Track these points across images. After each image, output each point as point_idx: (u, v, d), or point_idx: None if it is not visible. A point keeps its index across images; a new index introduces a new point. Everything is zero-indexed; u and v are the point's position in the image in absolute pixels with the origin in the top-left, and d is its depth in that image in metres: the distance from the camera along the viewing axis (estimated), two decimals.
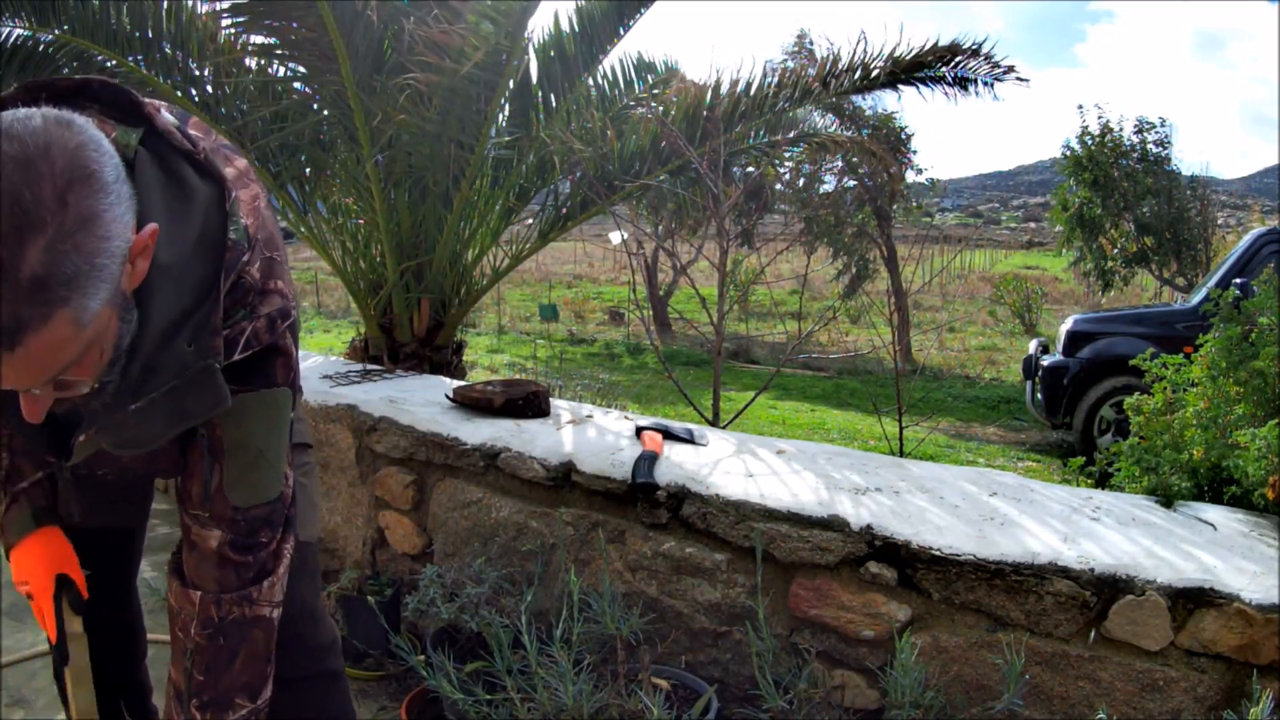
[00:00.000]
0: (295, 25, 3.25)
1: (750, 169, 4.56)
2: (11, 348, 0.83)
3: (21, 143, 0.82)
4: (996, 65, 3.80)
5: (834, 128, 12.11)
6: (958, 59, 3.76)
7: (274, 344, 1.13)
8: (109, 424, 1.08)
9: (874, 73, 3.81)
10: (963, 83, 3.82)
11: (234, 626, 1.21)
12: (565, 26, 3.77)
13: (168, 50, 3.59)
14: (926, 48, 3.78)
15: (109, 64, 3.60)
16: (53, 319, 0.83)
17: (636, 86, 4.38)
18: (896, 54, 3.80)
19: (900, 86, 3.91)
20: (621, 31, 3.84)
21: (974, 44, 3.75)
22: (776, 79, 4.01)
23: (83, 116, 0.90)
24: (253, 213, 1.11)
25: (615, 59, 4.71)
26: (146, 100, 1.05)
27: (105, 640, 1.50)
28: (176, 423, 1.10)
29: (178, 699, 1.22)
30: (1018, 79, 3.81)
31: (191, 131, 1.12)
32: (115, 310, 0.92)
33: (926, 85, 3.88)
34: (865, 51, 3.82)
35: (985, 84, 3.83)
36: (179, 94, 3.60)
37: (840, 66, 3.87)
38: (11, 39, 3.52)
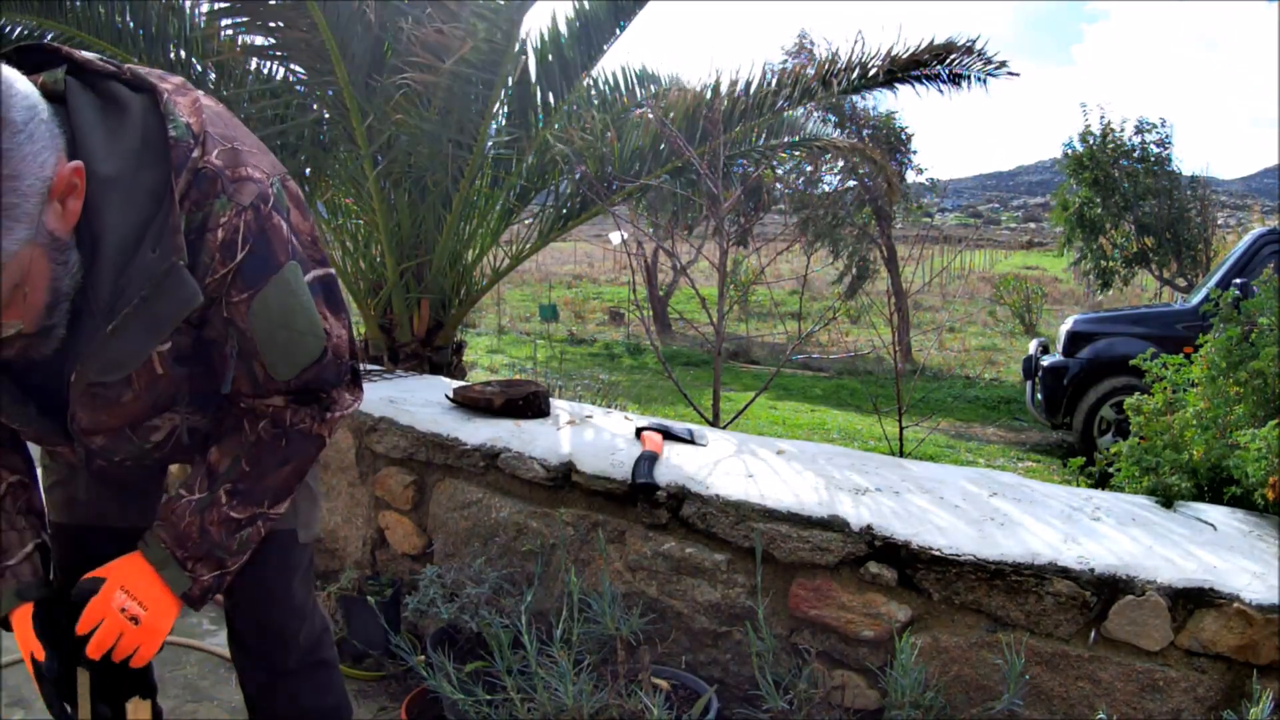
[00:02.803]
0: (289, 26, 3.26)
1: (751, 169, 4.56)
2: None
3: None
4: (989, 61, 3.88)
5: (834, 130, 12.13)
6: (952, 56, 3.85)
7: (262, 228, 1.12)
8: (89, 352, 1.07)
9: (872, 71, 3.88)
10: (956, 79, 3.91)
11: (299, 436, 1.26)
12: (562, 26, 3.78)
13: (170, 49, 3.59)
14: (923, 46, 3.84)
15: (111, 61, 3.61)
16: None
17: (638, 94, 4.39)
18: (894, 53, 3.86)
19: (897, 84, 3.99)
20: (618, 31, 3.84)
21: (968, 41, 3.83)
22: (776, 79, 4.03)
23: (3, 66, 0.91)
24: (195, 111, 1.10)
25: (617, 66, 4.72)
26: (56, 46, 1.07)
27: None
28: (154, 333, 1.09)
29: (208, 476, 1.25)
30: (1009, 73, 3.90)
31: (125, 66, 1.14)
32: (43, 252, 0.91)
33: (922, 82, 3.96)
34: (863, 51, 3.89)
35: (979, 80, 3.92)
36: None
37: (839, 66, 3.91)
38: (15, 34, 3.52)
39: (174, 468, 1.82)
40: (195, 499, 1.24)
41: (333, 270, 1.28)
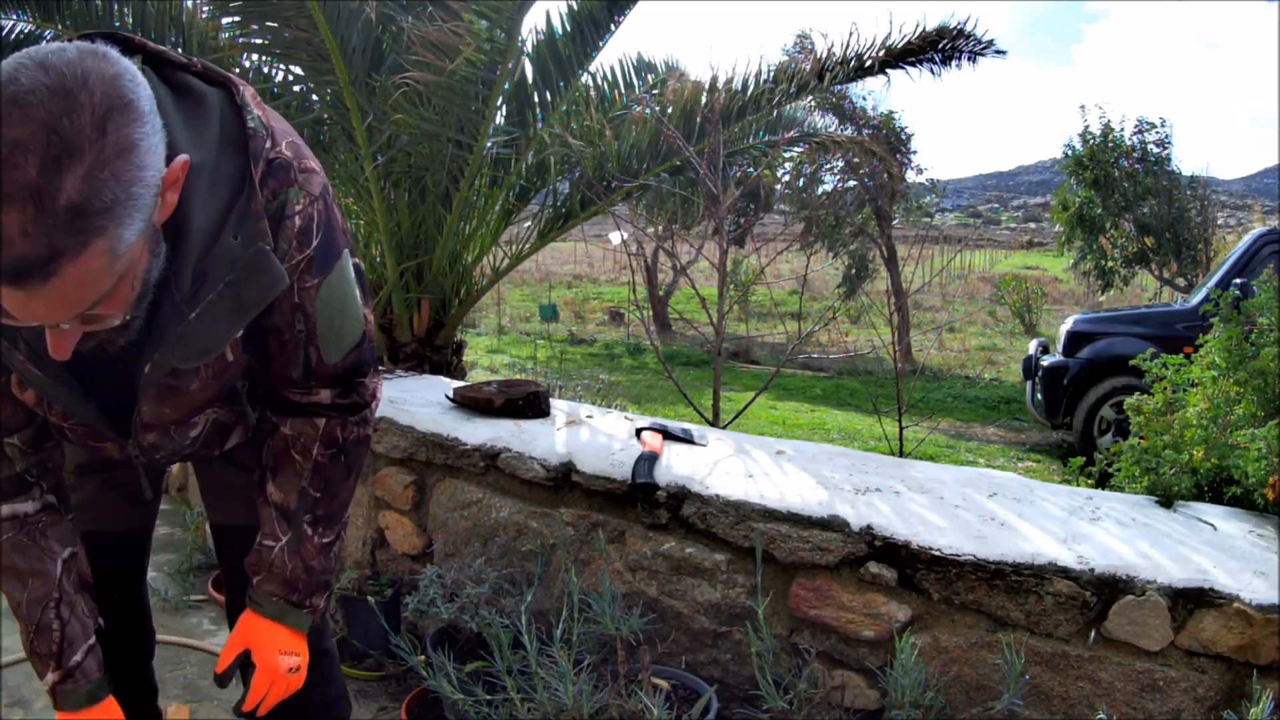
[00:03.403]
0: (288, 26, 3.25)
1: (750, 169, 4.57)
2: (45, 278, 0.82)
3: (59, 73, 0.82)
4: (978, 41, 3.97)
5: (833, 127, 12.13)
6: (944, 41, 3.93)
7: (328, 218, 1.16)
8: (174, 340, 1.08)
9: (868, 62, 3.96)
10: (947, 59, 4.00)
11: (354, 445, 1.30)
12: (558, 24, 3.78)
13: (169, 48, 3.59)
14: (916, 35, 3.91)
15: None
16: (89, 248, 0.83)
17: (636, 86, 4.39)
18: (889, 42, 3.93)
19: (889, 71, 4.07)
20: (613, 27, 3.84)
21: (959, 25, 3.92)
22: (773, 73, 4.04)
23: (110, 49, 0.90)
24: (260, 107, 1.13)
25: (614, 59, 4.74)
26: (131, 35, 1.07)
27: (120, 645, 1.50)
28: (239, 317, 1.10)
29: (284, 517, 1.27)
30: (996, 52, 4.00)
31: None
32: (147, 242, 0.92)
33: (915, 66, 4.04)
34: (859, 43, 3.96)
35: (969, 59, 4.00)
36: None
37: (835, 59, 3.94)
38: (15, 34, 3.52)
39: (175, 468, 1.83)
40: (284, 543, 1.27)
41: (360, 260, 1.31)
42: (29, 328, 0.99)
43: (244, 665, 1.27)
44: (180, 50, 3.57)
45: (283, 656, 1.26)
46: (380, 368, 1.37)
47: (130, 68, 0.89)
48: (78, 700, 1.22)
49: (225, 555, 1.56)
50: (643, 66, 4.45)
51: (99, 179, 0.82)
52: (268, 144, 1.09)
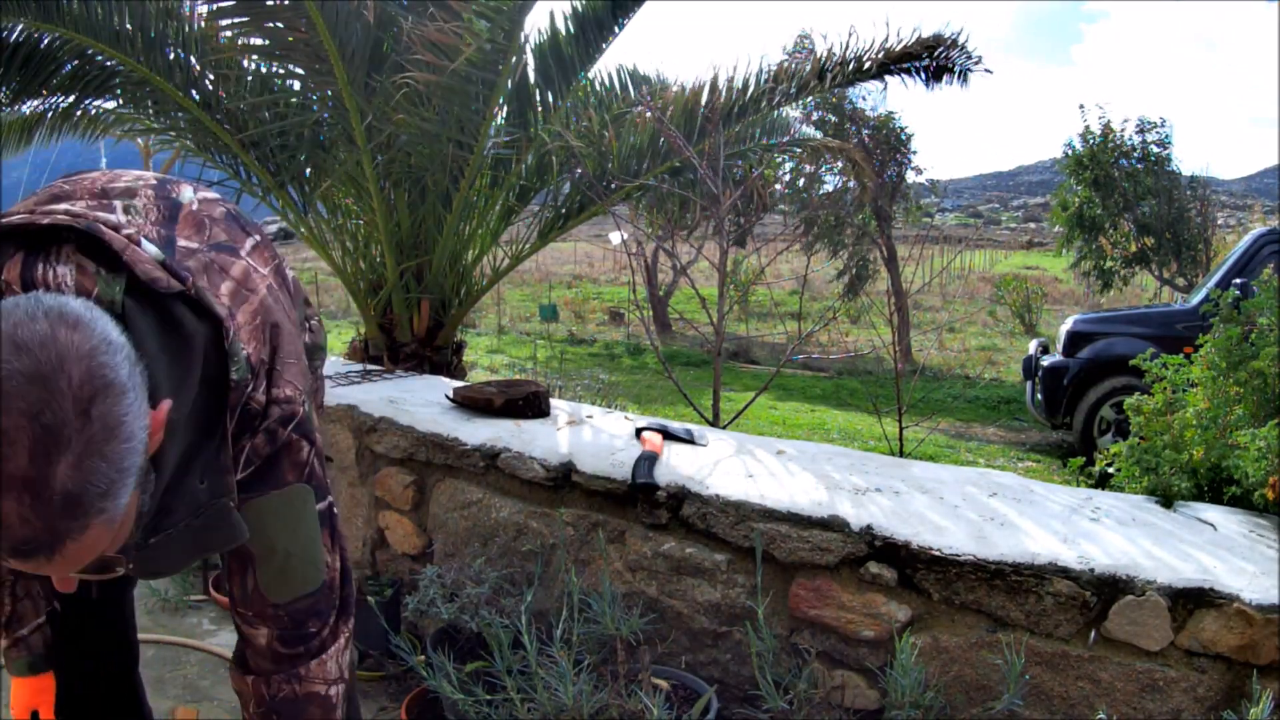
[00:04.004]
0: (287, 27, 3.26)
1: (751, 170, 4.57)
2: (50, 556, 0.82)
3: (33, 356, 0.79)
4: (969, 55, 4.07)
5: (836, 128, 12.12)
6: (939, 49, 4.00)
7: (277, 451, 1.11)
8: (132, 556, 1.07)
9: (866, 65, 4.01)
10: (940, 72, 4.08)
11: (286, 704, 1.20)
12: (560, 25, 3.78)
13: (169, 51, 3.59)
14: (914, 39, 3.98)
15: (110, 63, 3.60)
16: (90, 530, 0.82)
17: (632, 93, 4.40)
18: (887, 45, 3.99)
19: (886, 76, 4.15)
20: (616, 30, 3.85)
21: (953, 35, 4.01)
22: (773, 74, 4.06)
23: (82, 303, 0.87)
24: (253, 333, 1.09)
25: (612, 67, 4.74)
26: (118, 238, 0.99)
27: (104, 647, 1.51)
28: (194, 554, 1.10)
29: None
30: (985, 70, 4.12)
31: (182, 243, 1.09)
32: (138, 490, 0.90)
33: (909, 75, 4.12)
34: (858, 45, 4.02)
35: (959, 74, 4.10)
36: (180, 94, 3.60)
37: (834, 60, 3.97)
38: (14, 36, 3.52)
39: None
40: None
41: (333, 500, 1.26)
42: None
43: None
44: (180, 53, 3.59)
45: None
46: (351, 610, 1.28)
47: (104, 336, 0.85)
48: (19, 667, 1.33)
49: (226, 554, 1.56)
50: (639, 79, 4.47)
51: (90, 465, 0.81)
52: (249, 389, 1.06)
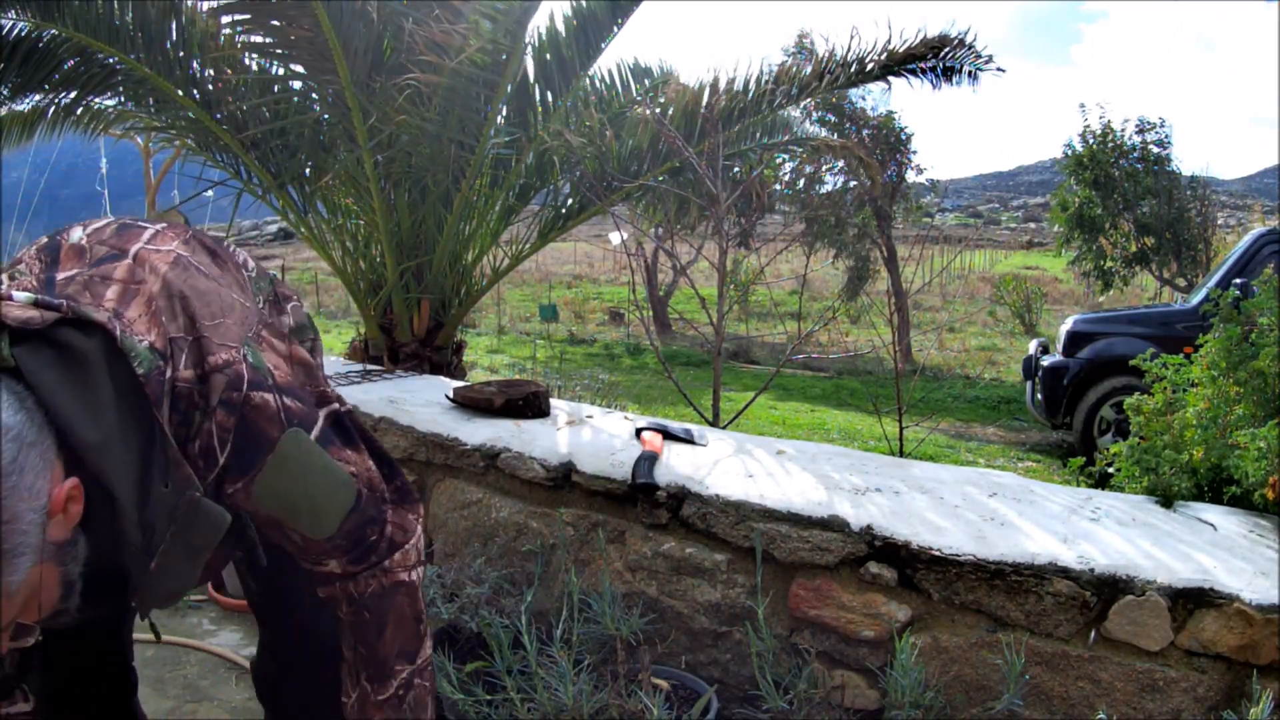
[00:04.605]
0: (291, 25, 3.25)
1: (752, 170, 4.58)
2: None
3: None
4: (979, 55, 3.99)
5: (831, 128, 12.12)
6: (945, 50, 3.94)
7: (242, 418, 1.09)
8: (145, 586, 1.07)
9: (869, 66, 3.96)
10: (948, 72, 4.01)
11: (375, 599, 1.25)
12: (560, 25, 3.78)
13: (169, 49, 3.59)
14: (918, 40, 3.91)
15: (110, 60, 3.60)
16: None
17: (633, 89, 4.39)
18: (891, 47, 3.93)
19: (890, 78, 4.08)
20: (616, 29, 3.84)
21: (960, 35, 3.94)
22: (774, 75, 4.05)
23: None
24: (152, 321, 1.07)
25: (612, 63, 4.74)
26: None
27: (99, 674, 1.50)
28: (196, 559, 1.08)
29: (350, 674, 1.29)
30: (997, 70, 4.02)
31: (62, 275, 1.08)
32: (50, 563, 0.89)
33: (915, 75, 4.05)
34: (860, 47, 3.96)
35: (969, 74, 4.02)
36: (180, 93, 3.60)
37: (836, 61, 3.94)
38: (14, 33, 3.52)
39: None
40: (354, 700, 1.29)
41: (337, 404, 1.24)
42: None
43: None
44: (180, 52, 3.59)
45: None
46: (412, 493, 1.31)
47: None
48: None
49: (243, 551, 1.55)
50: (640, 71, 4.46)
51: None
52: (167, 373, 1.04)
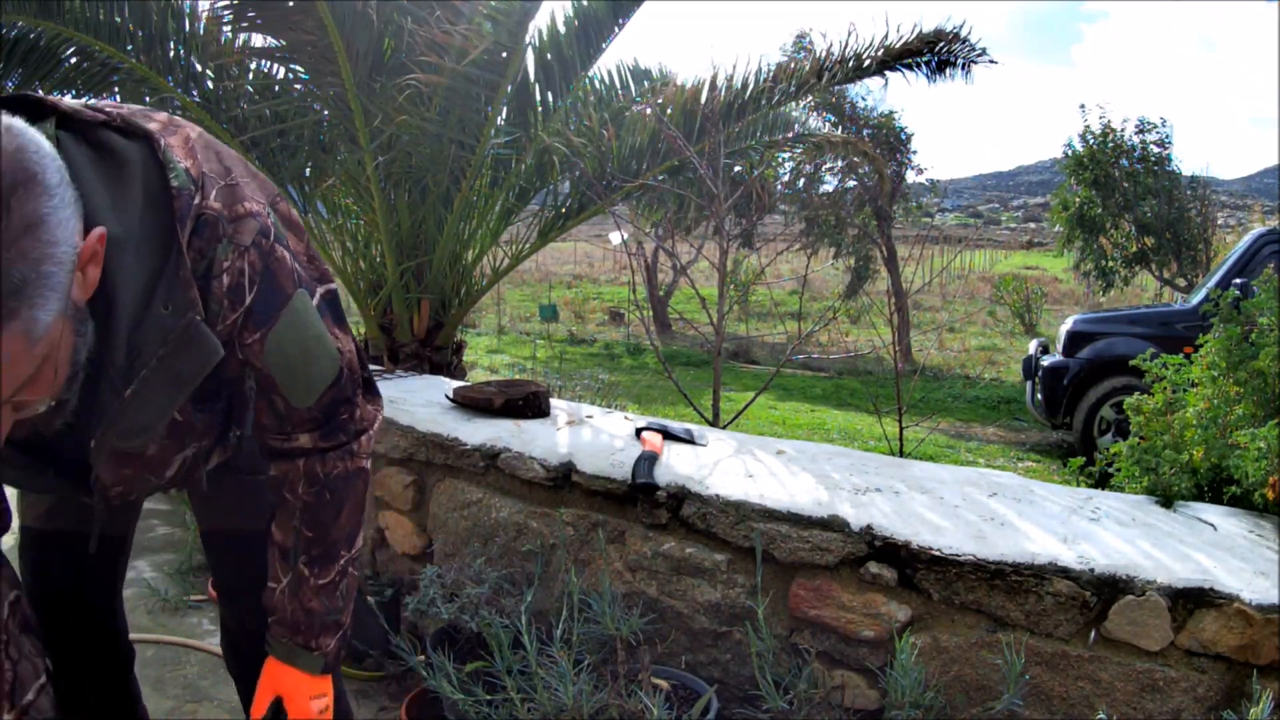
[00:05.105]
0: (295, 26, 3.25)
1: (753, 169, 4.57)
2: None
3: None
4: (973, 48, 4.00)
5: (831, 127, 12.12)
6: (941, 44, 3.95)
7: (267, 265, 1.11)
8: (112, 419, 1.06)
9: (866, 62, 3.98)
10: (942, 66, 4.02)
11: (340, 481, 1.26)
12: (561, 25, 3.78)
13: (169, 48, 3.59)
14: (914, 36, 3.93)
15: (110, 60, 3.60)
16: (2, 333, 0.79)
17: (633, 90, 4.39)
18: (888, 42, 3.95)
19: (887, 72, 4.09)
20: (617, 29, 3.84)
21: (955, 29, 3.95)
22: (772, 73, 4.05)
23: (17, 118, 0.86)
24: (189, 152, 1.07)
25: (612, 63, 4.74)
26: (42, 96, 1.02)
27: (94, 650, 1.49)
28: (177, 392, 1.08)
29: (283, 558, 1.27)
30: (989, 61, 4.04)
31: (101, 104, 1.10)
32: (69, 323, 0.88)
33: (911, 70, 4.06)
34: (858, 43, 3.99)
35: (963, 66, 4.04)
36: (180, 92, 3.60)
37: (834, 58, 3.96)
38: (14, 32, 3.52)
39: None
40: (284, 584, 1.27)
41: (334, 284, 1.27)
42: None
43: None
44: (180, 52, 3.59)
45: (311, 701, 1.29)
46: (376, 388, 1.34)
47: (35, 140, 0.85)
48: None
49: (213, 562, 1.54)
50: (639, 73, 4.46)
51: (5, 259, 0.78)
52: (196, 199, 1.05)
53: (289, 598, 1.28)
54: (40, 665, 1.20)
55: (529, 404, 2.64)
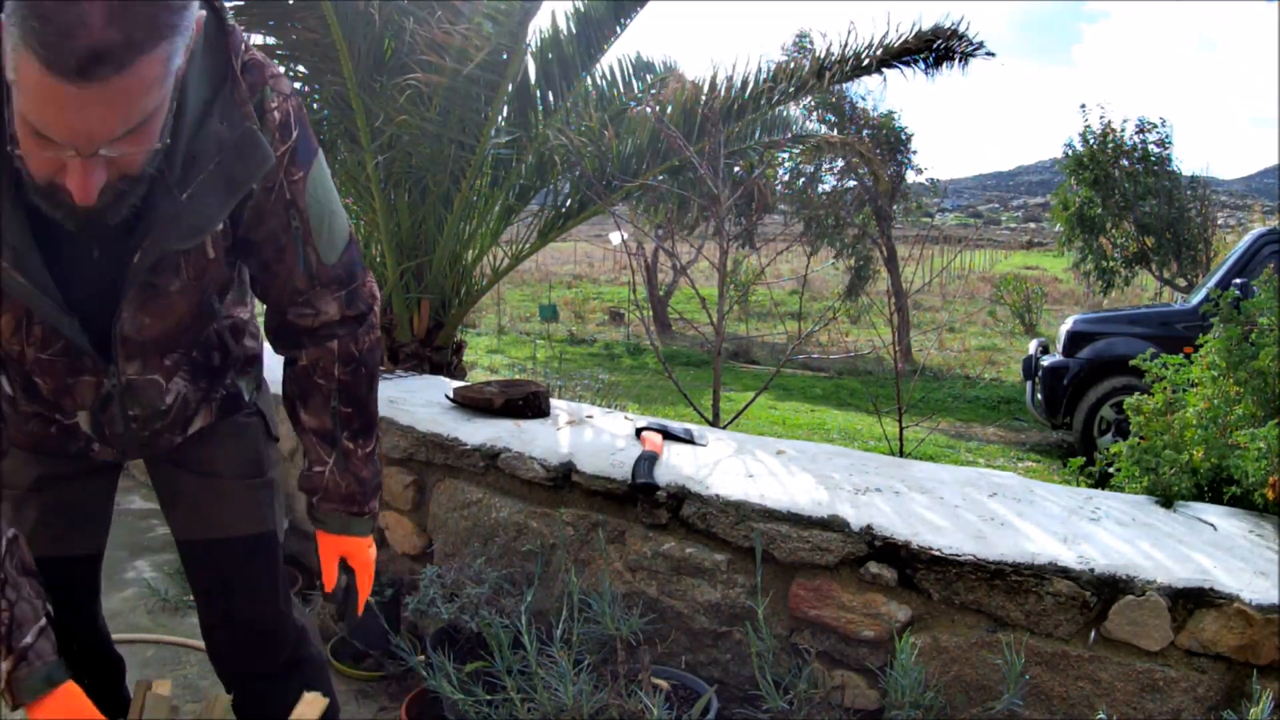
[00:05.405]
0: (297, 25, 3.25)
1: (753, 169, 4.57)
2: (119, 68, 0.87)
3: None
4: (970, 42, 3.98)
5: (831, 127, 12.12)
6: (939, 41, 3.94)
7: (301, 115, 1.24)
8: (166, 221, 1.13)
9: (865, 61, 3.97)
10: (939, 60, 4.01)
11: (369, 354, 1.36)
12: (563, 25, 3.78)
13: None
14: (912, 34, 3.92)
15: None
16: (158, 48, 0.89)
17: (635, 86, 4.39)
18: (886, 42, 3.94)
19: (886, 71, 4.09)
20: (618, 30, 3.84)
21: (953, 25, 3.94)
22: (772, 73, 4.05)
23: None
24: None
25: (614, 59, 4.74)
26: None
27: (84, 669, 1.49)
28: (229, 196, 1.16)
29: (323, 440, 1.37)
30: (986, 53, 4.02)
31: None
32: (170, 95, 0.97)
33: (909, 66, 4.06)
34: (857, 42, 3.98)
35: (960, 60, 4.02)
36: None
37: (833, 58, 3.95)
38: None
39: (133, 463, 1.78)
40: (332, 464, 1.37)
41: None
42: (14, 232, 1.05)
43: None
44: None
45: (369, 550, 1.45)
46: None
47: None
48: (34, 685, 1.12)
49: (191, 572, 1.52)
50: (641, 66, 4.45)
51: None
52: (243, 43, 1.16)
53: (339, 474, 1.37)
54: (40, 608, 1.18)
55: (529, 404, 2.64)
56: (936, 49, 3.93)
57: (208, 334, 1.35)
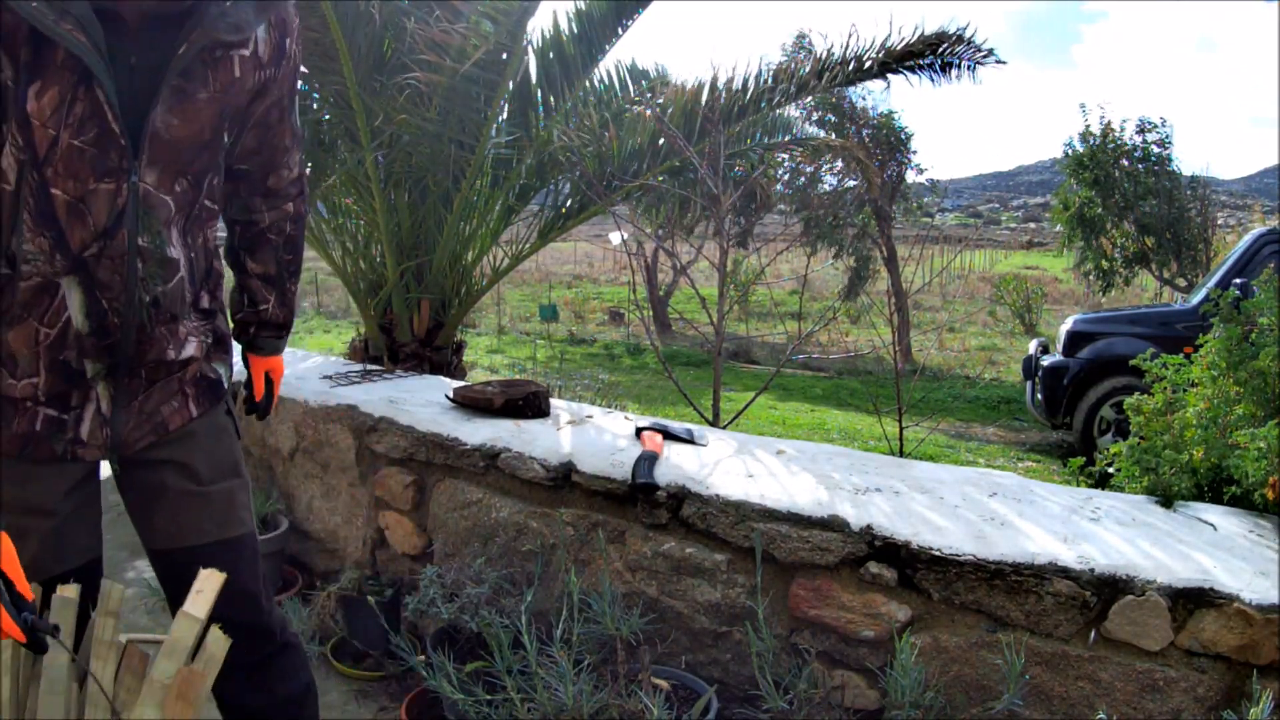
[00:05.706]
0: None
1: (753, 170, 4.57)
2: None
3: None
4: (978, 49, 3.95)
5: (834, 128, 12.12)
6: (943, 46, 3.91)
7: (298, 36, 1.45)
8: (214, 15, 1.26)
9: (867, 64, 3.94)
10: (946, 67, 3.98)
11: (305, 215, 1.66)
12: (564, 27, 3.78)
13: None
14: (915, 37, 3.89)
15: None
16: None
17: (631, 89, 4.39)
18: (889, 44, 3.91)
19: (889, 75, 4.05)
20: (620, 31, 3.84)
21: (959, 30, 3.91)
22: (772, 74, 4.04)
23: None
24: None
25: (611, 64, 4.74)
26: None
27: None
28: (259, 13, 1.32)
29: (267, 282, 1.65)
30: (997, 61, 3.98)
31: None
32: None
33: (914, 72, 4.02)
34: (858, 44, 3.96)
35: (969, 67, 3.98)
36: None
37: (834, 60, 3.93)
38: None
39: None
40: (273, 300, 1.66)
41: None
42: (80, 8, 1.14)
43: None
44: None
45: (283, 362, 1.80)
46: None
47: None
48: None
49: (172, 582, 1.52)
50: (637, 73, 4.46)
51: None
52: None
53: (278, 308, 1.68)
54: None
55: (529, 404, 2.64)
56: (942, 54, 3.90)
57: (204, 238, 1.44)
